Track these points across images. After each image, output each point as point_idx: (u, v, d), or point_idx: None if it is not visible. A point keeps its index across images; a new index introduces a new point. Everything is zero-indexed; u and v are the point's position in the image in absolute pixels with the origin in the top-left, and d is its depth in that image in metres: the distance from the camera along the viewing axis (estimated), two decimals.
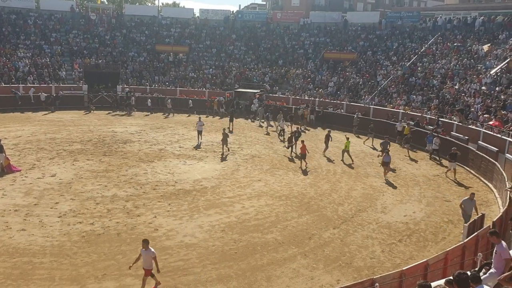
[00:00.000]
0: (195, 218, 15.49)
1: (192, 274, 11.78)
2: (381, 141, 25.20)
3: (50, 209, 15.65)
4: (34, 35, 43.46)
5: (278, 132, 30.66)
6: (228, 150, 25.12)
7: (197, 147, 26.00)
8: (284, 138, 28.76)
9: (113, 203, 16.48)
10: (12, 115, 32.75)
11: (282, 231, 14.79)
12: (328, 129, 28.07)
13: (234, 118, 32.96)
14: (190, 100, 38.64)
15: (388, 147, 23.37)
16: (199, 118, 28.44)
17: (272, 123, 33.48)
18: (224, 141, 24.77)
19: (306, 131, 32.53)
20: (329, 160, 24.33)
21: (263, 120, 34.23)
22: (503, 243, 8.18)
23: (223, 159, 23.71)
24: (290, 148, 25.17)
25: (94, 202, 16.52)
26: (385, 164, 21.01)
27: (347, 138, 24.28)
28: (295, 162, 23.60)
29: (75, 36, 45.40)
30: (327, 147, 25.40)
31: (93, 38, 45.85)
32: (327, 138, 25.24)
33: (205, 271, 11.95)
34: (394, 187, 19.99)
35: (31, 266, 11.76)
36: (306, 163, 22.70)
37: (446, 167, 22.54)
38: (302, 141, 23.11)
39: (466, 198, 15.53)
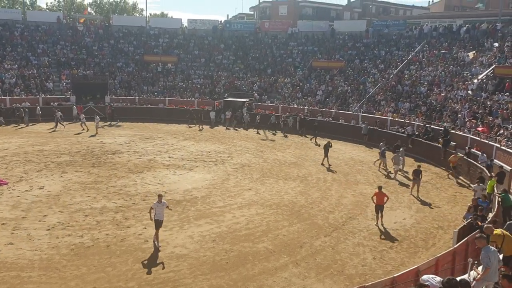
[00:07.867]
0: (185, 229, 15.39)
1: (183, 285, 11.68)
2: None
3: (38, 222, 15.43)
4: (21, 47, 43.12)
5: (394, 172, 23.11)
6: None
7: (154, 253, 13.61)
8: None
9: (102, 215, 16.32)
10: None
11: (273, 240, 14.75)
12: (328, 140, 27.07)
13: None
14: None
15: None
16: (160, 197, 14.13)
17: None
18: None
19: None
20: (328, 169, 24.41)
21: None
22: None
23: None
24: None
25: (83, 214, 16.34)
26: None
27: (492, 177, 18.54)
28: None
29: (62, 47, 45.14)
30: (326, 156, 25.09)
31: (81, 49, 45.59)
32: (326, 148, 25.02)
33: (196, 282, 11.85)
34: None
35: (19, 281, 11.56)
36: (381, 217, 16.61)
37: None
38: (380, 187, 16.93)
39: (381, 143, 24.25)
